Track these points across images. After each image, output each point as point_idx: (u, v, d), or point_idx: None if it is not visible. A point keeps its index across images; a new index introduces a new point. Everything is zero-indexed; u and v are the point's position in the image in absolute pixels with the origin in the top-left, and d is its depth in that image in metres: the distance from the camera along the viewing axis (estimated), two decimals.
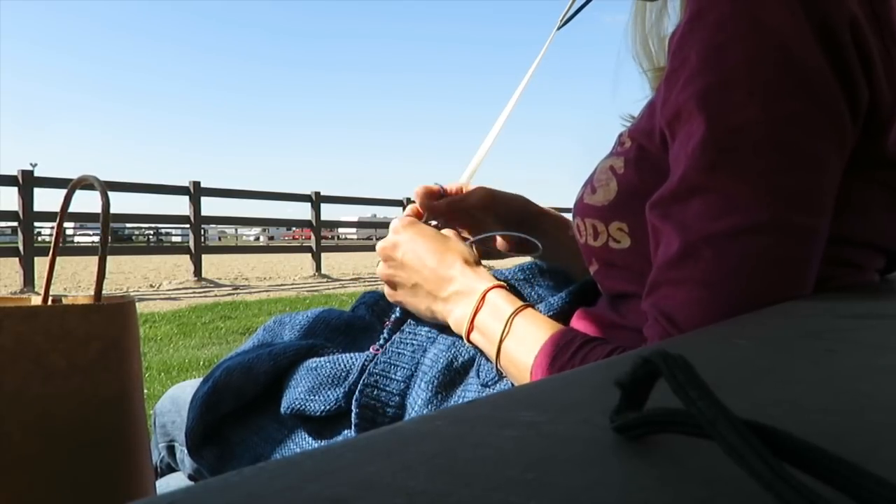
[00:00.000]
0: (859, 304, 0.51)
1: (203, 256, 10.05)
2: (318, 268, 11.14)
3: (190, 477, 0.92)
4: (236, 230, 44.59)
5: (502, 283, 0.71)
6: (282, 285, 9.31)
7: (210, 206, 11.00)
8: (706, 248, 0.51)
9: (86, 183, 0.75)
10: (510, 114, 1.00)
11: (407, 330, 0.78)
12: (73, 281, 9.78)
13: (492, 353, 0.67)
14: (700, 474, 0.18)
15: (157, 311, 5.85)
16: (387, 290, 0.79)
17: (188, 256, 9.74)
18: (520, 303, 0.68)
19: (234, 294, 7.80)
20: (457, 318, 0.71)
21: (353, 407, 0.72)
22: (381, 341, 0.78)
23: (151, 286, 9.03)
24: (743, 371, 0.30)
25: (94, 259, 0.74)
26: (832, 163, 0.53)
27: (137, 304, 0.73)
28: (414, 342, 0.76)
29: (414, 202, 0.85)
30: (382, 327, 0.83)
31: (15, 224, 8.11)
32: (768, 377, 0.28)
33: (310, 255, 11.44)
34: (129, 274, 11.76)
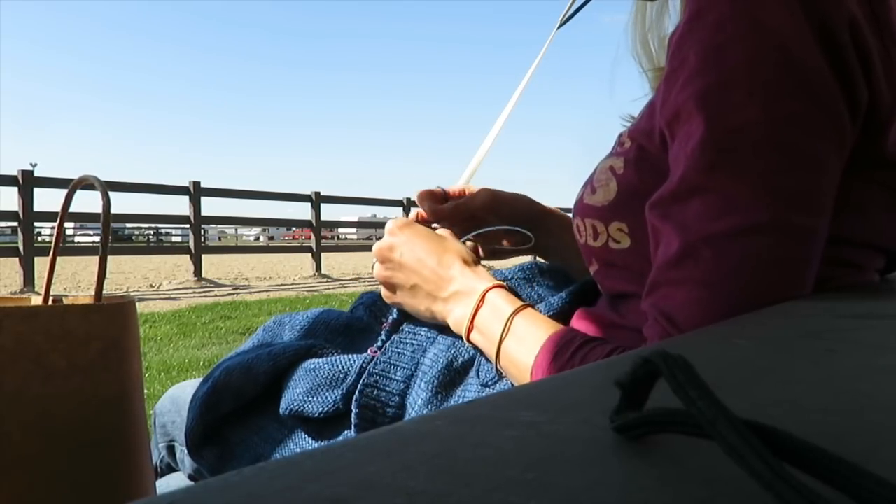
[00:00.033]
0: (859, 304, 0.51)
1: (203, 256, 10.05)
2: (318, 268, 11.14)
3: (190, 477, 0.92)
4: (236, 230, 44.60)
5: (502, 282, 0.71)
6: (282, 285, 9.31)
7: (210, 206, 11.01)
8: (706, 248, 0.51)
9: (86, 183, 0.76)
10: (510, 114, 1.00)
11: (406, 330, 0.78)
12: (74, 281, 9.78)
13: (491, 353, 0.67)
14: (700, 474, 0.18)
15: (157, 311, 5.85)
16: (384, 291, 0.79)
17: (188, 256, 9.75)
18: (519, 302, 0.68)
19: (234, 294, 7.80)
20: (456, 318, 0.71)
21: (353, 407, 0.72)
22: (379, 343, 0.78)
23: (151, 286, 9.03)
24: (743, 371, 0.30)
25: (95, 259, 0.74)
26: (832, 163, 0.53)
27: (137, 304, 0.73)
28: (414, 342, 0.76)
29: (414, 202, 0.85)
30: (380, 328, 0.83)
31: (15, 224, 8.11)
32: (768, 377, 0.28)
33: (310, 255, 11.44)
34: (129, 274, 11.77)
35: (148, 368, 3.36)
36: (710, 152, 0.52)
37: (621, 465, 0.18)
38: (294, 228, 31.03)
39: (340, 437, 0.75)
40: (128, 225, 30.87)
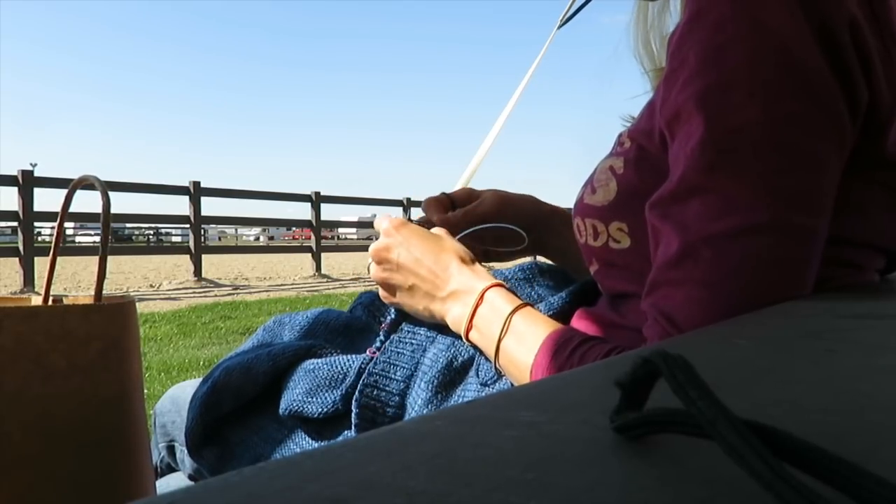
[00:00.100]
0: (859, 304, 0.51)
1: (203, 256, 10.05)
2: (318, 268, 11.14)
3: (190, 477, 0.92)
4: (236, 230, 44.59)
5: (500, 281, 0.71)
6: (282, 285, 9.31)
7: (210, 206, 11.02)
8: (706, 248, 0.51)
9: (86, 183, 0.76)
10: (510, 115, 1.00)
11: (406, 330, 0.78)
12: (74, 281, 9.78)
13: (491, 352, 0.67)
14: (700, 474, 0.18)
15: (157, 311, 5.85)
16: (382, 292, 0.79)
17: (188, 256, 9.75)
18: (518, 301, 0.68)
19: (234, 294, 7.80)
20: (455, 316, 0.71)
21: (353, 407, 0.72)
22: (378, 343, 0.78)
23: (151, 286, 9.04)
24: (743, 371, 0.30)
25: (95, 259, 0.74)
26: (832, 163, 0.53)
27: (137, 304, 0.73)
28: (413, 342, 0.76)
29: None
30: (379, 328, 0.83)
31: (15, 224, 8.11)
32: (768, 377, 0.28)
33: (310, 255, 11.44)
34: (129, 274, 11.77)
35: (148, 368, 3.36)
36: (709, 152, 0.52)
37: (621, 465, 0.18)
38: (294, 228, 31.02)
39: (340, 437, 0.75)
40: (128, 225, 30.87)
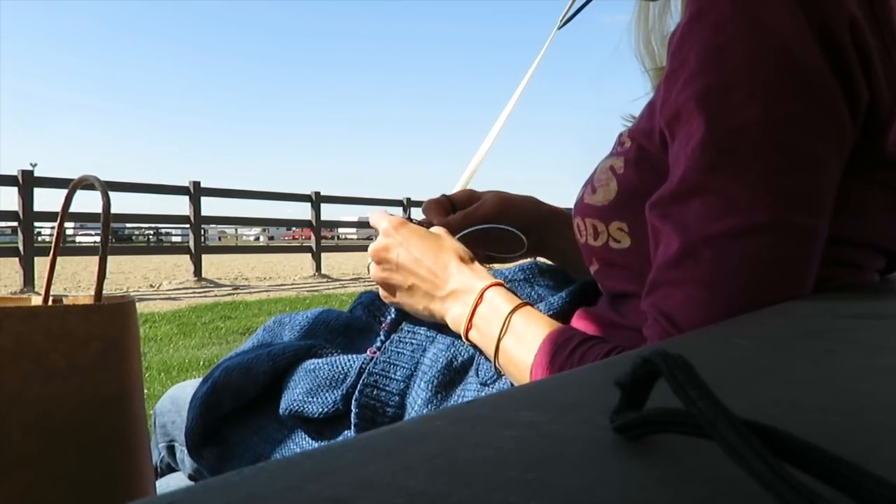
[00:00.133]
0: (859, 304, 0.51)
1: (203, 256, 10.05)
2: (318, 268, 11.14)
3: (190, 477, 0.92)
4: (236, 230, 44.59)
5: (500, 281, 0.71)
6: (282, 285, 9.31)
7: (210, 206, 11.02)
8: (706, 248, 0.51)
9: (86, 183, 0.76)
10: (509, 115, 1.00)
11: (406, 329, 0.78)
12: (74, 281, 9.78)
13: (490, 352, 0.67)
14: (700, 474, 0.18)
15: (157, 311, 5.85)
16: (382, 292, 0.79)
17: (188, 256, 9.75)
18: (518, 300, 0.68)
19: (234, 294, 7.80)
20: (455, 316, 0.71)
21: (352, 407, 0.72)
22: (378, 343, 0.78)
23: (151, 286, 9.04)
24: (743, 371, 0.30)
25: (95, 259, 0.74)
26: (832, 163, 0.53)
27: (137, 304, 0.73)
28: (413, 342, 0.76)
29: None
30: (379, 328, 0.83)
31: (15, 224, 8.11)
32: (768, 377, 0.28)
33: (310, 255, 11.44)
34: (129, 274, 11.77)
35: (148, 368, 3.36)
36: (710, 153, 0.52)
37: (621, 465, 0.18)
38: (294, 228, 31.02)
39: (340, 437, 0.75)
40: (128, 225, 30.87)
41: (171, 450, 0.95)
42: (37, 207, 8.04)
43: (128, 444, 0.67)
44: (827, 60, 0.52)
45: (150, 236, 38.21)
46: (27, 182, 7.93)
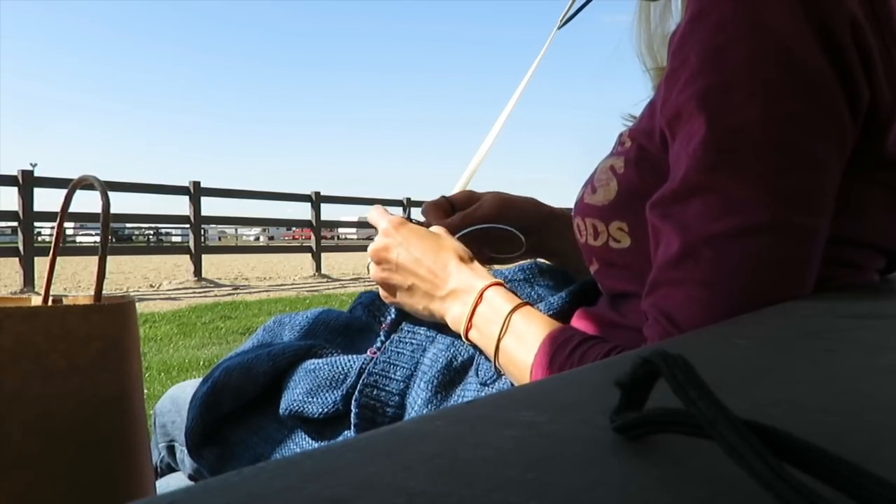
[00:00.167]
0: (859, 304, 0.51)
1: (203, 256, 10.05)
2: (318, 268, 11.14)
3: (190, 477, 0.92)
4: (236, 230, 44.58)
5: (499, 280, 0.71)
6: (282, 285, 9.31)
7: (210, 206, 11.02)
8: (706, 248, 0.51)
9: (86, 183, 0.76)
10: (509, 115, 1.00)
11: (406, 329, 0.78)
12: (74, 281, 9.78)
13: (490, 351, 0.67)
14: (700, 474, 0.18)
15: (157, 311, 5.85)
16: (382, 292, 0.79)
17: (188, 256, 9.75)
18: (518, 300, 0.68)
19: (234, 294, 7.80)
20: (454, 316, 0.71)
21: (352, 407, 0.72)
22: (378, 344, 0.78)
23: (151, 286, 9.04)
24: (743, 371, 0.30)
25: (95, 259, 0.74)
26: (832, 163, 0.53)
27: (137, 304, 0.73)
28: (413, 342, 0.76)
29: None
30: (379, 328, 0.83)
31: (15, 224, 8.11)
32: (768, 377, 0.28)
33: (310, 255, 11.44)
34: (129, 274, 11.77)
35: (148, 368, 3.36)
36: (710, 152, 0.52)
37: (621, 465, 0.18)
38: (294, 228, 31.02)
39: (340, 438, 0.75)
40: (128, 225, 30.88)
41: (171, 450, 0.95)
42: (37, 207, 8.04)
43: (128, 444, 0.67)
44: (828, 60, 0.52)
45: (150, 236, 38.21)
46: (27, 182, 7.93)
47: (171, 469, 0.97)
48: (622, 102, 0.78)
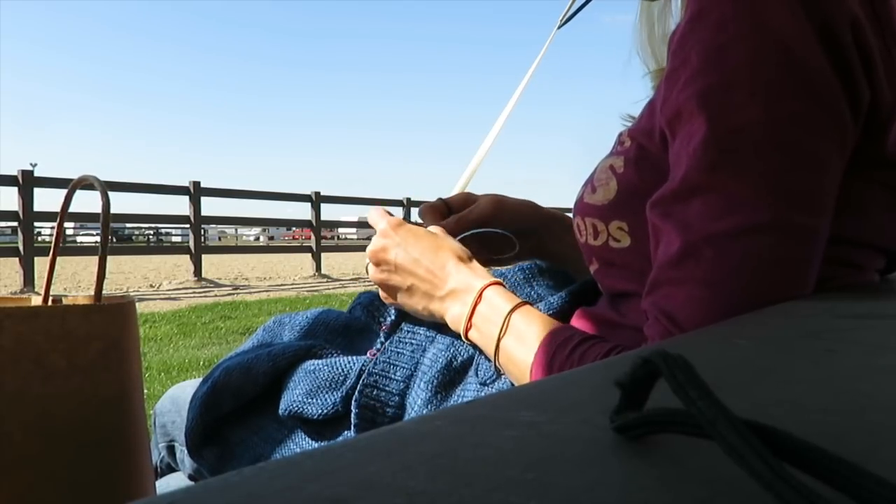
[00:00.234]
0: (859, 304, 0.51)
1: (203, 256, 10.05)
2: (318, 268, 11.14)
3: (190, 477, 0.92)
4: (236, 230, 44.58)
5: (498, 279, 0.71)
6: (282, 285, 9.31)
7: (210, 206, 11.01)
8: (707, 247, 0.51)
9: (86, 183, 0.75)
10: (509, 115, 1.00)
11: (406, 329, 0.78)
12: (74, 281, 9.78)
13: (490, 351, 0.67)
14: (700, 474, 0.18)
15: (157, 311, 5.85)
16: (382, 293, 0.79)
17: (188, 256, 9.75)
18: (517, 300, 0.68)
19: (234, 294, 7.80)
20: (454, 315, 0.71)
21: (352, 407, 0.73)
22: (378, 345, 0.78)
23: (151, 286, 9.04)
24: (743, 371, 0.30)
25: (95, 259, 0.74)
26: (833, 163, 0.53)
27: (137, 304, 0.73)
28: (413, 342, 0.76)
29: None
30: (378, 328, 0.83)
31: (15, 224, 8.11)
32: (768, 377, 0.28)
33: (310, 255, 11.44)
34: (129, 274, 11.77)
35: (148, 368, 3.36)
36: (711, 152, 0.52)
37: (621, 465, 0.18)
38: (294, 228, 31.02)
39: (340, 438, 0.75)
40: (128, 225, 30.88)
41: (171, 450, 0.95)
42: (37, 207, 8.04)
43: (128, 444, 0.67)
44: (828, 60, 0.52)
45: (150, 236, 38.21)
46: (27, 182, 7.93)
47: (171, 469, 0.97)
48: (622, 102, 0.78)
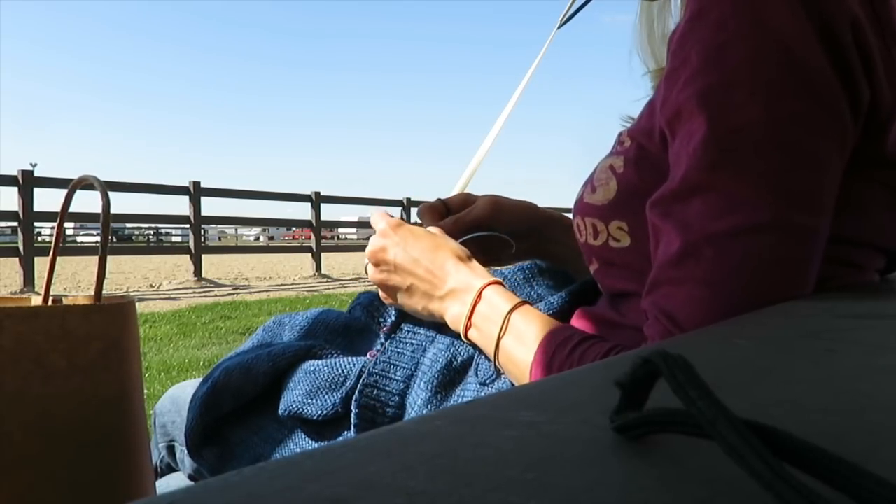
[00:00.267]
0: (859, 304, 0.51)
1: (203, 256, 10.05)
2: (318, 268, 11.14)
3: (190, 477, 0.92)
4: (236, 230, 44.58)
5: (498, 279, 0.71)
6: (282, 285, 9.31)
7: (210, 206, 11.02)
8: (707, 247, 0.51)
9: (86, 183, 0.75)
10: (509, 115, 1.00)
11: (406, 329, 0.78)
12: (74, 281, 9.78)
13: (490, 351, 0.67)
14: (700, 474, 0.18)
15: (157, 311, 5.85)
16: (382, 294, 0.79)
17: (188, 256, 9.75)
18: (517, 299, 0.68)
19: (234, 294, 7.80)
20: (453, 315, 0.71)
21: (352, 407, 0.73)
22: (379, 346, 0.78)
23: (151, 286, 9.04)
24: (743, 371, 0.30)
25: (95, 259, 0.74)
26: (833, 162, 0.53)
27: (137, 304, 0.73)
28: (413, 342, 0.76)
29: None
30: (378, 329, 0.83)
31: (15, 224, 8.11)
32: (768, 377, 0.28)
33: (310, 255, 11.44)
34: (129, 274, 11.77)
35: (148, 368, 3.36)
36: (711, 151, 0.52)
37: (621, 465, 0.18)
38: (294, 228, 31.02)
39: (340, 438, 0.75)
40: (128, 225, 30.89)
41: (171, 450, 0.95)
42: (37, 207, 8.04)
43: (128, 444, 0.67)
44: (829, 59, 0.52)
45: (150, 236, 38.21)
46: (27, 182, 7.93)
47: (171, 469, 0.97)
48: (622, 102, 0.78)
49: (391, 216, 0.80)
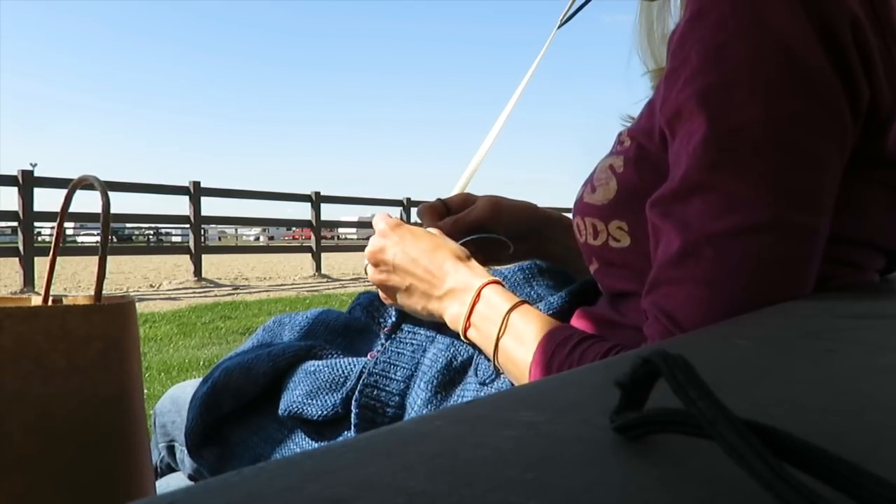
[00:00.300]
0: (859, 304, 0.51)
1: (203, 256, 10.05)
2: (318, 268, 11.14)
3: (190, 477, 0.92)
4: (236, 230, 44.58)
5: (497, 279, 0.71)
6: (282, 285, 9.31)
7: (210, 206, 11.02)
8: (707, 247, 0.51)
9: (86, 183, 0.75)
10: (509, 115, 1.00)
11: (406, 329, 0.78)
12: (74, 281, 9.78)
13: (489, 350, 0.67)
14: (700, 474, 0.18)
15: (157, 311, 5.85)
16: (381, 294, 0.79)
17: (188, 256, 9.75)
18: (516, 299, 0.68)
19: (234, 294, 7.80)
20: (453, 315, 0.71)
21: (352, 407, 0.73)
22: (379, 346, 0.78)
23: (151, 286, 9.04)
24: (743, 371, 0.30)
25: (95, 259, 0.74)
26: (833, 162, 0.53)
27: (137, 304, 0.73)
28: (413, 342, 0.76)
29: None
30: (378, 329, 0.83)
31: (15, 224, 8.11)
32: (768, 377, 0.28)
33: (310, 255, 11.44)
34: (129, 274, 11.77)
35: (148, 368, 3.36)
36: (711, 151, 0.52)
37: (621, 465, 0.18)
38: (294, 228, 31.03)
39: (340, 438, 0.75)
40: (128, 225, 30.89)
41: (171, 450, 0.95)
42: (37, 207, 8.04)
43: (128, 444, 0.67)
44: (828, 59, 0.52)
45: (150, 236, 38.20)
46: (27, 182, 7.93)
47: (171, 469, 0.97)
48: (622, 102, 0.78)
49: (391, 217, 0.80)
